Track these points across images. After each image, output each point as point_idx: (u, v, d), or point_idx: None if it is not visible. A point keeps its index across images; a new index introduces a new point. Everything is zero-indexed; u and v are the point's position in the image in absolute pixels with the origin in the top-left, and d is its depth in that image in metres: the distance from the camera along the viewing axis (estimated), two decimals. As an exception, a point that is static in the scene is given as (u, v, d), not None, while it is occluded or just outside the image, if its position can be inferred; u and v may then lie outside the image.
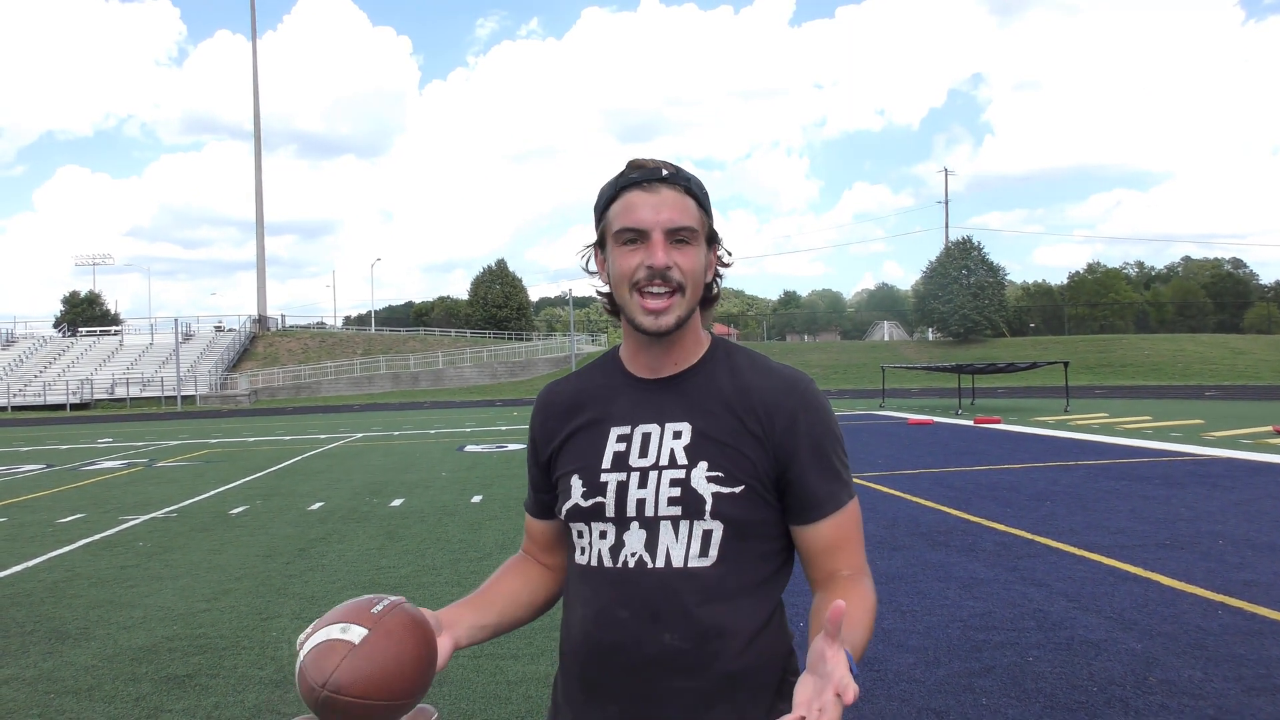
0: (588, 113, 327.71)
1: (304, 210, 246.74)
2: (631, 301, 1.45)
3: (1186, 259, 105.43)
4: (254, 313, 67.81)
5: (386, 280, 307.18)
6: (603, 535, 1.48)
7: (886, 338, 79.30)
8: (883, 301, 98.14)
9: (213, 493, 12.13)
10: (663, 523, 1.43)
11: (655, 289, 1.43)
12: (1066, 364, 26.85)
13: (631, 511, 1.45)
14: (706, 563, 1.43)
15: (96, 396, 51.96)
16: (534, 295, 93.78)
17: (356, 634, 1.32)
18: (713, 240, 1.50)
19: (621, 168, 1.49)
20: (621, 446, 1.49)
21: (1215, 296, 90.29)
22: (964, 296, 62.76)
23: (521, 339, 70.10)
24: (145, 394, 52.83)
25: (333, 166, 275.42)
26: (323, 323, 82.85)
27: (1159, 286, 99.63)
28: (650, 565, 1.44)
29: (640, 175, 1.43)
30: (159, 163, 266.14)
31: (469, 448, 17.96)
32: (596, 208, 1.51)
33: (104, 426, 32.73)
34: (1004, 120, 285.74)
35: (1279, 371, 46.64)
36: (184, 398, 51.33)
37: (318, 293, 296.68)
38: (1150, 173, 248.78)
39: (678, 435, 1.46)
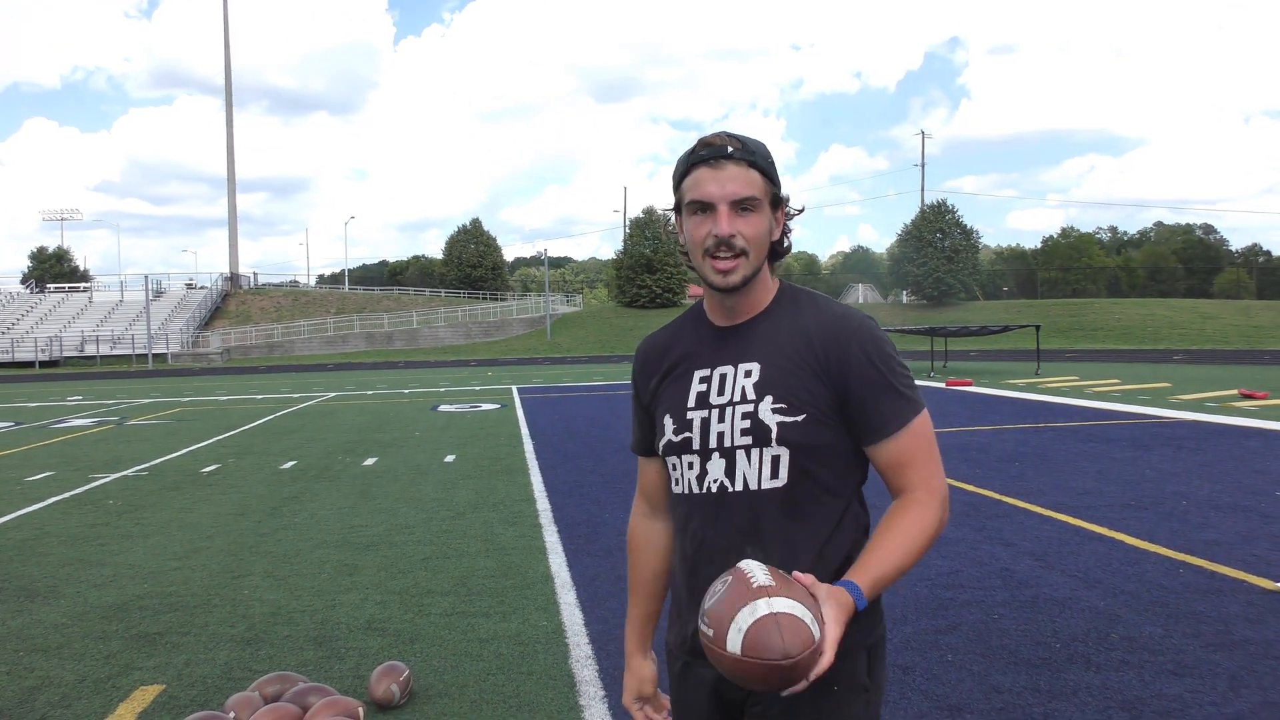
0: (564, 72, 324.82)
1: (276, 167, 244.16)
2: (704, 265, 1.64)
3: (1159, 224, 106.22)
4: (226, 270, 67.10)
5: (360, 239, 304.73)
6: (690, 466, 1.69)
7: (861, 300, 79.62)
8: (858, 264, 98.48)
9: (184, 451, 12.06)
10: (738, 451, 1.63)
11: (722, 254, 1.61)
12: (1038, 328, 27.07)
13: (713, 444, 1.65)
14: (778, 484, 1.62)
15: (66, 354, 51.38)
16: (509, 255, 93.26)
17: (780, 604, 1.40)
18: (778, 203, 1.67)
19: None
20: (704, 387, 1.69)
21: (1186, 262, 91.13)
22: (938, 260, 62.99)
23: (496, 299, 69.86)
24: (115, 352, 52.28)
25: (305, 123, 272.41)
26: (296, 281, 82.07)
27: (1131, 252, 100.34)
28: (730, 489, 1.64)
29: (708, 153, 1.60)
30: (128, 117, 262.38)
31: (443, 408, 17.93)
32: (673, 179, 1.69)
33: (73, 384, 32.41)
34: (980, 84, 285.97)
35: (1246, 336, 47.24)
36: (155, 356, 50.85)
37: (291, 251, 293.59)
38: (1124, 138, 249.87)
39: (749, 374, 1.65)
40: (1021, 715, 3.50)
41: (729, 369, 1.67)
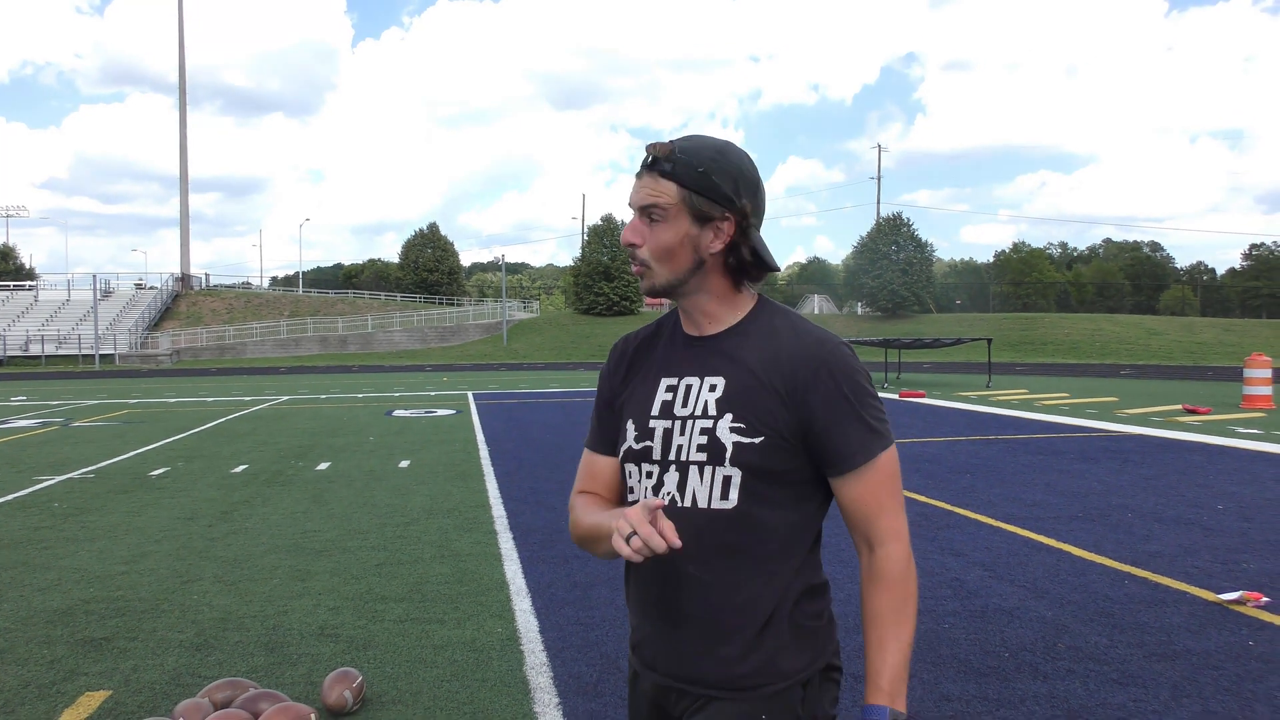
0: (523, 78, 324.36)
1: (230, 167, 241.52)
2: None
3: (1107, 241, 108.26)
4: (177, 271, 66.08)
5: (315, 241, 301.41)
6: (648, 475, 1.65)
7: (816, 311, 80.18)
8: (814, 275, 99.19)
9: (132, 454, 11.86)
10: (692, 467, 1.59)
11: (631, 260, 1.63)
12: (990, 341, 27.46)
13: (671, 455, 1.61)
14: (727, 505, 1.57)
15: (9, 353, 50.27)
16: (465, 260, 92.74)
17: None
18: (707, 216, 1.58)
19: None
20: (669, 396, 1.65)
21: (1133, 278, 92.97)
22: (893, 272, 63.67)
23: (452, 304, 69.47)
24: (61, 352, 51.28)
25: (260, 123, 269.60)
26: (248, 283, 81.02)
27: (1080, 267, 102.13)
28: (680, 504, 1.60)
29: (642, 163, 1.61)
30: (78, 113, 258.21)
31: (398, 412, 17.79)
32: None
33: (17, 384, 31.72)
34: (935, 99, 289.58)
35: (1190, 352, 48.23)
36: (102, 356, 49.92)
37: (243, 252, 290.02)
38: (1074, 155, 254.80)
39: (713, 389, 1.61)
40: (970, 723, 3.56)
41: (695, 380, 1.63)
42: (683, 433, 1.60)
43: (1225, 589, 5.19)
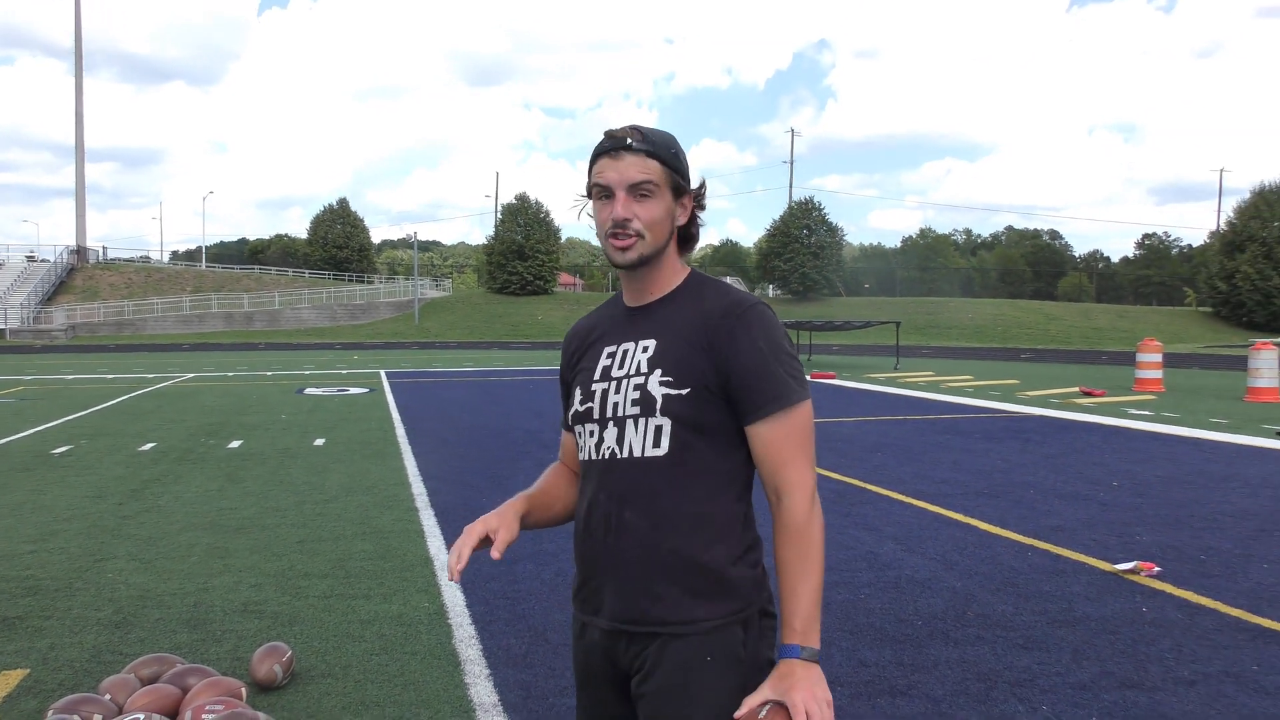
0: (436, 54, 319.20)
1: (127, 137, 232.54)
2: (606, 244, 1.78)
3: (1009, 229, 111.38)
4: (72, 243, 63.47)
5: (218, 215, 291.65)
6: (591, 434, 1.80)
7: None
8: (726, 257, 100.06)
9: (31, 431, 11.47)
10: (628, 421, 1.74)
11: (619, 234, 1.74)
12: (898, 324, 28.14)
13: (609, 413, 1.77)
14: (659, 452, 1.72)
15: (-111, 327, 47.83)
16: (376, 237, 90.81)
17: None
18: (681, 191, 1.79)
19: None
20: (608, 361, 1.81)
21: (1034, 265, 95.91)
22: (804, 255, 64.50)
23: (363, 281, 68.26)
24: (-54, 326, 48.98)
25: (160, 92, 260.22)
26: (148, 257, 78.51)
27: (984, 253, 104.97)
28: (619, 455, 1.75)
29: (609, 144, 1.74)
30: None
31: (309, 390, 17.50)
32: (588, 166, 1.81)
33: (-100, 359, 30.24)
34: (846, 86, 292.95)
35: (1086, 337, 50.03)
36: (-9, 331, 47.86)
37: (143, 225, 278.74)
38: (979, 144, 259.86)
39: (645, 350, 1.77)
40: (888, 687, 3.72)
41: (630, 345, 1.78)
42: (618, 391, 1.75)
43: (1121, 560, 5.47)
